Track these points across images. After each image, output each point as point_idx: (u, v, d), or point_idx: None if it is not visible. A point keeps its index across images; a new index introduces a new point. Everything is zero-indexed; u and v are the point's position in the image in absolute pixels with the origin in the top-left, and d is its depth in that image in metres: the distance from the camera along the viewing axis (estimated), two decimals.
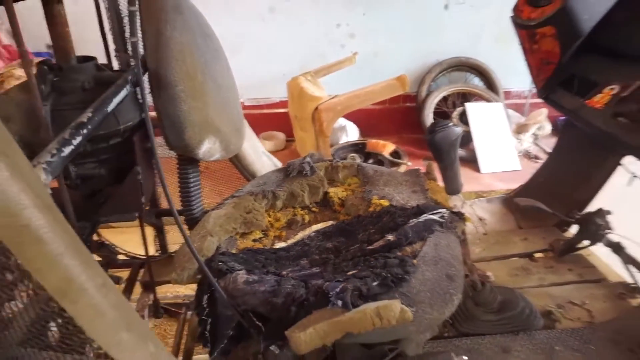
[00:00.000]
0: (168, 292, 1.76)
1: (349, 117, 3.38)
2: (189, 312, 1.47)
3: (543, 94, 1.57)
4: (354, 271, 0.90)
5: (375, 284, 0.83)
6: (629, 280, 1.49)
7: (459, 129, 1.08)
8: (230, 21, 3.21)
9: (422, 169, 1.35)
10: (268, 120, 3.66)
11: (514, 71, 3.74)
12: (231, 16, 3.24)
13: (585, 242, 1.61)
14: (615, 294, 1.46)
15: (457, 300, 0.89)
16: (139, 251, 1.41)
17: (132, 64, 0.97)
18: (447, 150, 1.10)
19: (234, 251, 1.03)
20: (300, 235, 1.15)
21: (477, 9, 3.57)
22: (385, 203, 1.16)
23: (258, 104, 3.64)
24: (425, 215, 1.06)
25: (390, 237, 1.00)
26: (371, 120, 3.73)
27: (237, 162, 1.41)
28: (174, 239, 1.69)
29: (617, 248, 1.54)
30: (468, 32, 3.65)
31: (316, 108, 2.76)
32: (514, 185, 2.09)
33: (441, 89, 3.71)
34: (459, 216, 1.12)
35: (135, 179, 0.98)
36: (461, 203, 1.65)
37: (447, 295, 0.87)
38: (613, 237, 1.56)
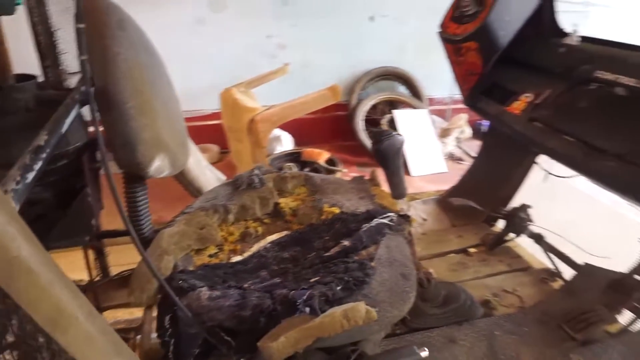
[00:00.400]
0: (111, 317, 1.67)
1: (283, 127, 3.41)
2: (138, 337, 1.41)
3: (469, 102, 1.72)
4: (316, 278, 0.93)
5: (339, 288, 0.86)
6: (550, 266, 1.67)
7: (402, 138, 1.16)
8: (159, 33, 3.11)
9: (366, 176, 1.41)
10: (201, 132, 3.58)
11: (435, 79, 4.01)
12: (160, 28, 3.13)
13: (512, 235, 1.77)
14: (539, 279, 1.63)
15: (413, 298, 0.95)
16: (79, 275, 1.33)
17: (73, 81, 0.93)
18: (393, 157, 1.17)
19: (191, 268, 1.02)
20: (255, 247, 1.16)
21: (400, 21, 3.78)
22: (336, 210, 1.21)
23: (190, 116, 3.56)
24: (376, 219, 1.12)
25: (345, 242, 1.04)
26: (305, 129, 3.79)
27: (182, 178, 1.39)
28: (115, 260, 1.62)
29: (538, 238, 1.71)
30: (393, 42, 3.84)
31: (252, 119, 2.76)
32: (443, 186, 2.25)
33: (370, 97, 3.86)
34: (406, 219, 1.19)
35: (82, 202, 0.94)
36: (407, 207, 1.75)
37: (404, 294, 0.93)
38: (534, 228, 1.74)
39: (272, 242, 1.16)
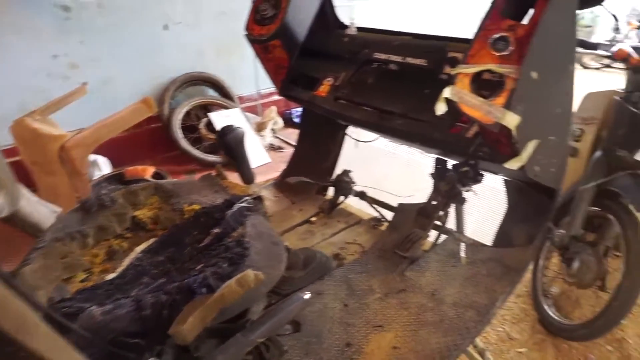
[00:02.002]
0: None
1: (97, 150, 3.18)
2: None
3: (284, 92, 1.95)
4: (201, 265, 1.02)
5: (225, 265, 0.98)
6: (375, 214, 2.05)
7: (242, 129, 1.31)
8: None
9: (213, 173, 1.52)
10: None
11: (240, 78, 4.23)
12: None
13: (342, 198, 2.10)
14: (370, 226, 1.99)
15: (286, 258, 1.13)
16: None
17: None
18: (237, 147, 1.31)
19: (69, 296, 1.00)
20: (127, 260, 1.17)
21: (193, 28, 3.84)
22: (197, 207, 1.30)
23: None
24: (236, 205, 1.26)
25: (216, 230, 1.15)
26: (121, 148, 3.58)
27: (16, 218, 1.28)
28: None
29: (362, 195, 2.08)
30: (191, 49, 3.89)
31: (62, 147, 2.53)
32: (270, 175, 2.48)
33: (182, 104, 3.86)
34: (259, 199, 1.36)
35: None
36: (258, 189, 1.90)
37: (278, 256, 1.10)
38: (357, 188, 2.10)
39: (142, 252, 1.19)
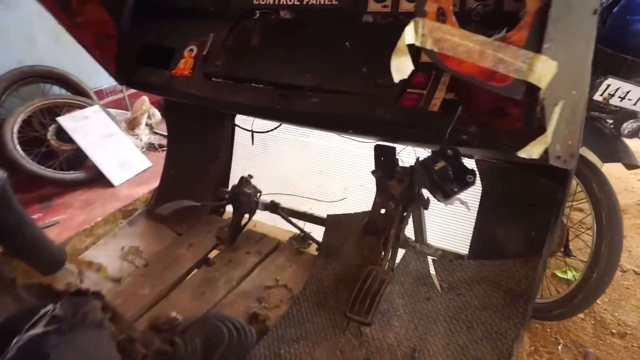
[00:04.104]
0: None
1: None
2: None
3: (123, 78, 1.25)
4: None
5: None
6: (296, 231, 1.46)
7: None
8: None
9: None
10: None
11: (94, 68, 3.29)
12: None
13: (246, 216, 1.48)
14: (293, 253, 1.40)
15: None
16: None
17: None
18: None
19: None
20: None
21: (11, 8, 2.84)
22: None
23: None
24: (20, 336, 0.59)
25: None
26: None
27: None
28: None
29: (273, 208, 1.47)
30: (15, 35, 2.90)
31: None
32: (155, 184, 1.79)
33: (15, 111, 2.89)
34: (85, 295, 0.69)
35: None
36: (77, 273, 1.19)
37: None
38: (265, 199, 1.48)
39: None
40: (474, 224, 1.20)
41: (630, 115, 1.64)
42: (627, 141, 1.59)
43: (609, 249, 1.40)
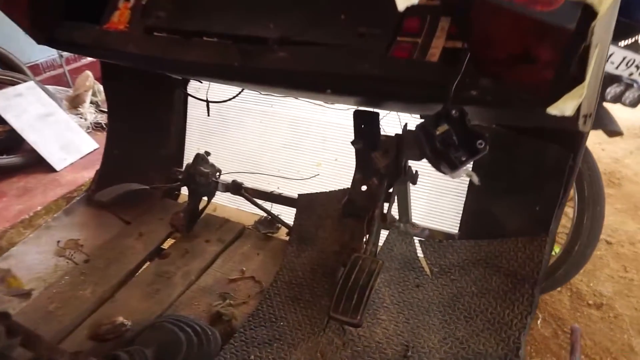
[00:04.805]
0: None
1: None
2: None
3: (41, 36, 1.01)
4: None
5: None
6: (263, 214, 1.29)
7: None
8: None
9: None
10: None
11: (27, 39, 2.94)
12: None
13: (204, 199, 1.29)
14: (261, 239, 1.23)
15: None
16: None
17: None
18: None
19: None
20: None
21: None
22: None
23: None
24: None
25: None
26: None
27: None
28: None
29: (236, 189, 1.29)
30: None
31: None
32: None
33: None
34: None
35: None
36: None
37: None
38: (225, 178, 1.29)
39: None
40: (464, 199, 1.07)
41: (612, 79, 1.57)
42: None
43: (591, 221, 1.35)
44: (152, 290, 1.10)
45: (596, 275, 1.83)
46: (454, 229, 1.09)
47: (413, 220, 1.10)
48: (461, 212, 1.06)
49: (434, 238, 1.05)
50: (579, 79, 0.52)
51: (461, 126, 0.63)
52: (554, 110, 0.53)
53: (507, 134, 0.90)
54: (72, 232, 1.28)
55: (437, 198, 1.17)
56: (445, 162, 0.62)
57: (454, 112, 0.64)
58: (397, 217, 1.07)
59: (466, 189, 1.06)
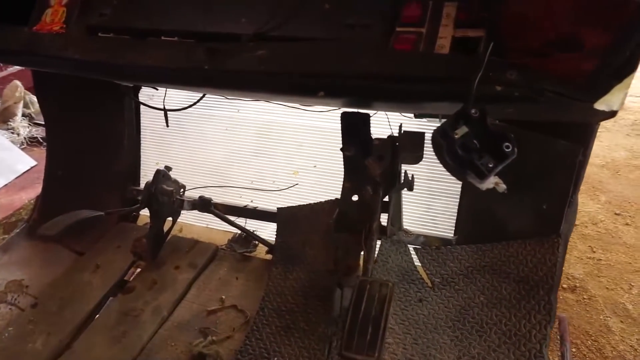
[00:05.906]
0: None
1: None
2: None
3: None
4: None
5: None
6: (237, 231, 1.17)
7: None
8: None
9: None
10: None
11: None
12: None
13: (169, 219, 1.14)
14: (237, 261, 1.10)
15: None
16: None
17: None
18: None
19: None
20: None
21: None
22: None
23: None
24: None
25: None
26: None
27: None
28: None
29: (203, 205, 1.15)
30: None
31: None
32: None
33: None
34: None
35: None
36: None
37: None
38: (190, 195, 1.16)
39: None
40: (457, 200, 1.00)
41: None
42: None
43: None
44: (118, 334, 0.94)
45: (566, 259, 1.85)
46: (448, 233, 1.02)
47: (405, 227, 1.02)
48: (455, 214, 0.99)
49: (430, 245, 0.97)
50: (628, 67, 0.45)
51: (482, 128, 0.55)
52: (602, 105, 0.46)
53: (511, 128, 0.83)
54: (13, 272, 1.09)
55: (427, 200, 1.09)
56: (471, 171, 0.54)
57: (473, 111, 0.55)
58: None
59: (459, 189, 0.99)
